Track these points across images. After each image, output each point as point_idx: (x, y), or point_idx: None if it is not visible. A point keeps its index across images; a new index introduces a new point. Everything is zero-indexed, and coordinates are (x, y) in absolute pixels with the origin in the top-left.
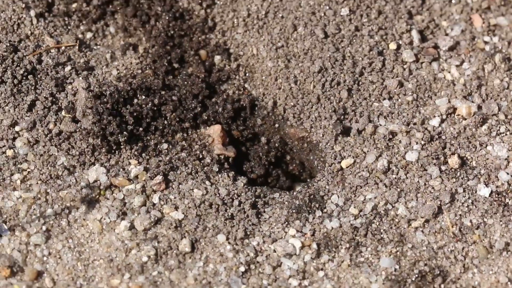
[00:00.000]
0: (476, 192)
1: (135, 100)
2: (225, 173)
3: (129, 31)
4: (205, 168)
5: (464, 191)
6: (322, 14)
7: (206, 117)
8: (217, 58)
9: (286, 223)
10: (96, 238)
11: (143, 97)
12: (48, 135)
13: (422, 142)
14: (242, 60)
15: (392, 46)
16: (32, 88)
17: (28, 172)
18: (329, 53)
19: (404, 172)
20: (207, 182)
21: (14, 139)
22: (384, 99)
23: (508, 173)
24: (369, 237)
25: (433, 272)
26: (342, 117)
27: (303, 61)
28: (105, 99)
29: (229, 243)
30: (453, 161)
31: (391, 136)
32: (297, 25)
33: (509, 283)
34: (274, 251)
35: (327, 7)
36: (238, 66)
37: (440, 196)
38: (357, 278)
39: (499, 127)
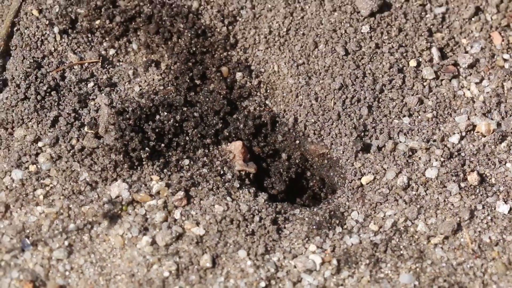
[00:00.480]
0: (495, 209)
1: (157, 117)
2: (246, 189)
3: (152, 48)
4: (226, 184)
5: (483, 207)
6: (343, 32)
7: (227, 133)
8: (238, 74)
9: (307, 239)
10: (118, 253)
11: (165, 113)
12: (71, 151)
13: (442, 159)
14: (263, 77)
15: (412, 63)
16: (55, 104)
17: (51, 187)
18: (350, 70)
19: (424, 188)
20: (228, 198)
21: (37, 154)
22: (404, 116)
23: None
24: (389, 253)
25: None
26: (362, 133)
27: (323, 78)
28: (127, 115)
29: (249, 258)
30: (473, 178)
31: (411, 153)
32: (318, 42)
33: None
34: (295, 267)
35: (348, 25)
36: (259, 82)
37: (459, 212)
38: None
39: None
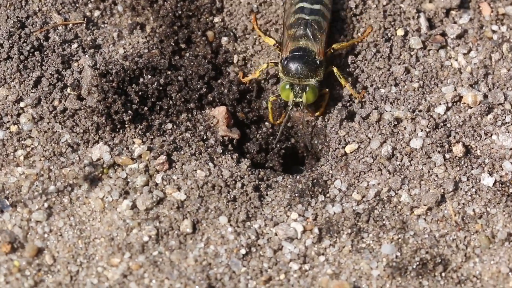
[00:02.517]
0: (480, 181)
1: (141, 80)
2: (229, 155)
3: (137, 10)
4: (209, 149)
5: (468, 179)
6: None
7: (211, 98)
8: (224, 39)
9: (289, 206)
10: (97, 216)
11: (149, 76)
12: (53, 112)
13: (427, 130)
14: (248, 42)
15: (400, 32)
16: (38, 64)
17: (32, 148)
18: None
19: (408, 159)
20: (210, 164)
21: (18, 115)
22: (390, 85)
23: None
24: (371, 223)
25: (434, 260)
26: (347, 103)
27: None
28: (111, 78)
29: (230, 225)
30: (458, 150)
31: (396, 123)
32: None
33: (510, 273)
34: (276, 234)
35: None
36: (245, 48)
37: (443, 184)
38: (358, 264)
39: (505, 116)
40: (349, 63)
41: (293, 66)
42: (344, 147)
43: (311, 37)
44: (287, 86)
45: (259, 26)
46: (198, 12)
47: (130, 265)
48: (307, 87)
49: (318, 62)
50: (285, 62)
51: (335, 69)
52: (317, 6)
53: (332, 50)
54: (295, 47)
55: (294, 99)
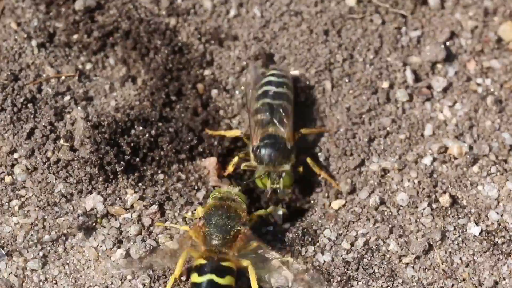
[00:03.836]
0: (466, 230)
1: (133, 131)
2: None
3: (128, 63)
4: (201, 199)
5: (454, 229)
6: (314, 56)
7: (201, 150)
8: (214, 92)
9: (280, 255)
10: (92, 265)
11: (141, 128)
12: (46, 163)
13: (415, 181)
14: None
15: (385, 85)
16: (32, 116)
17: (26, 198)
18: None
19: (396, 209)
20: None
21: (12, 165)
22: (377, 137)
23: (498, 213)
24: (361, 271)
25: None
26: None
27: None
28: (103, 129)
29: None
30: (444, 200)
31: (383, 173)
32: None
33: None
34: (268, 282)
35: (323, 45)
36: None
37: (431, 233)
38: None
39: (490, 167)
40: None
41: (266, 154)
42: (330, 204)
43: (278, 123)
44: (263, 175)
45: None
46: (189, 65)
47: None
48: (283, 173)
49: (289, 147)
50: (258, 151)
51: (308, 160)
52: (281, 89)
53: (300, 134)
54: (265, 135)
55: (272, 185)
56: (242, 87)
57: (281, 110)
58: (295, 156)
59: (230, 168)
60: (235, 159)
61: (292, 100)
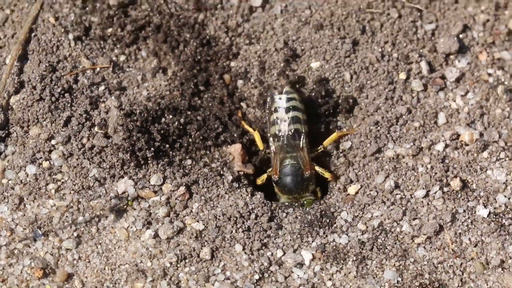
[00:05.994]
0: (475, 212)
1: (163, 119)
2: (244, 189)
3: (159, 56)
4: (225, 183)
5: (464, 211)
6: (336, 48)
7: (228, 136)
8: (239, 82)
9: (299, 236)
10: (123, 245)
11: (170, 116)
12: (82, 149)
13: (428, 166)
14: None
15: (402, 76)
16: (68, 105)
17: (62, 182)
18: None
19: (409, 192)
20: (226, 196)
21: (50, 151)
22: (393, 124)
23: (505, 196)
24: (375, 251)
25: (432, 285)
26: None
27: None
28: (135, 117)
29: (245, 253)
30: (455, 184)
31: (398, 159)
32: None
33: None
34: (287, 261)
35: (341, 40)
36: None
37: (442, 215)
38: None
39: (499, 153)
40: (356, 101)
41: (286, 188)
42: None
43: (294, 151)
44: (287, 203)
45: (246, 121)
46: (216, 57)
47: None
48: (305, 202)
49: (306, 177)
50: (278, 184)
51: (317, 168)
52: (292, 113)
53: (323, 148)
54: (283, 166)
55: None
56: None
57: (296, 137)
58: (314, 182)
59: (258, 182)
60: (264, 176)
61: (305, 120)
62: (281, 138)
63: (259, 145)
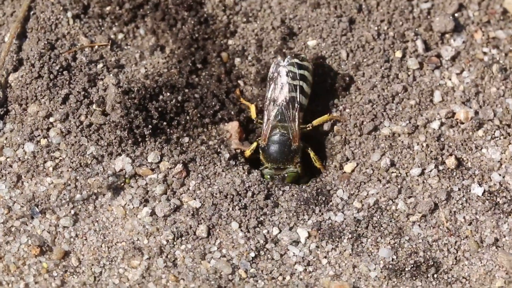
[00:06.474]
0: (470, 191)
1: (161, 97)
2: (241, 166)
3: (157, 34)
4: (222, 161)
5: (459, 190)
6: (331, 27)
7: (225, 114)
8: (237, 60)
9: (295, 214)
10: (119, 222)
11: (168, 94)
12: (80, 127)
13: (423, 144)
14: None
15: (398, 54)
16: (67, 83)
17: (60, 160)
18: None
19: (405, 170)
20: (223, 174)
21: (48, 129)
22: (389, 102)
23: (500, 175)
24: (370, 229)
25: (427, 263)
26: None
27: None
28: (133, 95)
29: (241, 230)
30: (450, 162)
31: (394, 137)
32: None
33: (496, 274)
34: (282, 239)
35: (337, 19)
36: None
37: (437, 193)
38: (357, 266)
39: (494, 131)
40: (352, 78)
41: (271, 156)
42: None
43: (285, 121)
44: (268, 171)
45: (244, 98)
46: (214, 35)
47: (149, 266)
48: (286, 174)
49: (293, 148)
50: (264, 150)
51: (311, 153)
52: (295, 82)
53: (311, 127)
54: (272, 133)
55: (276, 180)
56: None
57: (290, 106)
58: (300, 156)
59: (247, 153)
60: (254, 144)
61: (307, 93)
62: (276, 106)
63: (253, 115)
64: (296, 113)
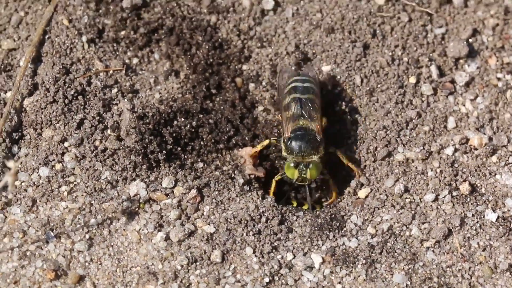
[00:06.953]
0: (484, 217)
1: (175, 122)
2: (255, 192)
3: (172, 58)
4: (236, 186)
5: (473, 215)
6: (345, 54)
7: (239, 140)
8: (251, 85)
9: (309, 239)
10: (134, 247)
11: (182, 119)
12: (94, 151)
13: (437, 170)
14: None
15: (412, 80)
16: (81, 107)
17: (75, 184)
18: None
19: (419, 196)
20: (237, 199)
21: (63, 154)
22: (403, 128)
23: None
24: (384, 255)
25: None
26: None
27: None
28: (147, 120)
29: (255, 256)
30: (464, 188)
31: (408, 163)
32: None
33: None
34: (297, 264)
35: (351, 45)
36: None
37: (451, 219)
38: None
39: (508, 157)
40: (365, 104)
41: (296, 145)
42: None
43: (308, 116)
44: (292, 165)
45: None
46: (228, 60)
47: None
48: (310, 164)
49: (318, 139)
50: (288, 142)
51: (338, 152)
52: (308, 84)
53: (334, 151)
54: (296, 127)
55: (299, 175)
56: (275, 84)
57: (309, 104)
58: (324, 148)
59: (258, 147)
60: (266, 141)
61: (319, 94)
62: (298, 106)
63: (265, 142)
64: (316, 111)
